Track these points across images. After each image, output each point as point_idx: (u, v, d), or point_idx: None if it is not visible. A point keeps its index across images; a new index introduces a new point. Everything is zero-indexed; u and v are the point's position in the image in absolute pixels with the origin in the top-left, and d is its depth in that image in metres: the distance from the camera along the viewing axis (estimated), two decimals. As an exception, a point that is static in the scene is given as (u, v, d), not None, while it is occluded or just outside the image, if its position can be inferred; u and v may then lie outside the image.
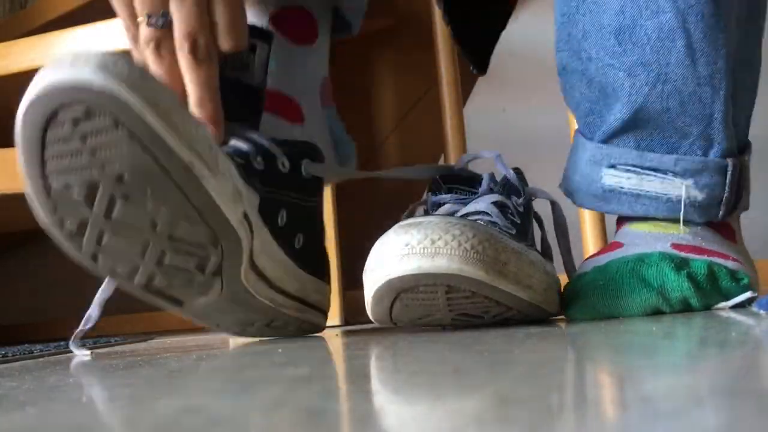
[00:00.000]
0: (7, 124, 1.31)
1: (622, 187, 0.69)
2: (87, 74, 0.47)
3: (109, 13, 1.02)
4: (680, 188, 0.67)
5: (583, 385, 0.31)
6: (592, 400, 0.27)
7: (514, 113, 1.54)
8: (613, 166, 0.69)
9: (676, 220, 0.68)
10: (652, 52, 0.65)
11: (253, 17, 0.70)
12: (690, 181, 0.67)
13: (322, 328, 0.70)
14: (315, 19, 0.73)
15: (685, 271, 0.61)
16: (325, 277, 0.70)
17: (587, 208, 0.74)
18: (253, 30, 0.66)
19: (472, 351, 0.47)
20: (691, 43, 0.65)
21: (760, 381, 0.29)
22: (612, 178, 0.69)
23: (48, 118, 0.49)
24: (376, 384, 0.34)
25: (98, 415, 0.32)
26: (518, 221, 0.65)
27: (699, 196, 0.67)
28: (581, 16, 0.68)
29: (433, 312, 0.58)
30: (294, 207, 0.65)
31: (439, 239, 0.54)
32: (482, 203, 0.64)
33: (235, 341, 0.75)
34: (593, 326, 0.56)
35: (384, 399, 0.30)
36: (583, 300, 0.62)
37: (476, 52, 0.95)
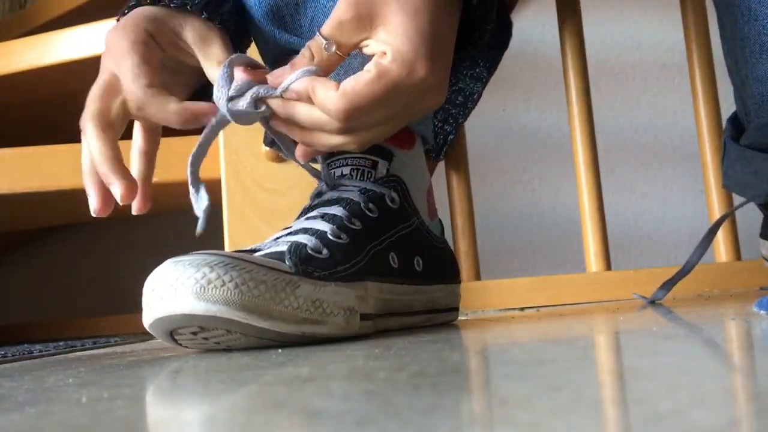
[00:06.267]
0: (8, 123, 1.31)
1: None
2: (189, 305, 0.52)
3: (108, 13, 1.02)
4: None
5: (584, 385, 0.31)
6: (593, 401, 0.27)
7: (514, 113, 1.54)
8: None
9: None
10: None
11: None
12: None
13: (453, 320, 0.75)
14: (411, 128, 0.72)
15: None
16: (453, 276, 0.74)
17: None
18: (374, 147, 0.68)
19: (472, 351, 0.47)
20: None
21: (760, 381, 0.29)
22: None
23: (170, 332, 0.55)
24: (376, 384, 0.34)
25: (98, 415, 0.32)
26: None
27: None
28: None
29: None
30: (401, 241, 0.66)
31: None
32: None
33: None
34: (593, 327, 0.56)
35: (384, 399, 0.30)
36: None
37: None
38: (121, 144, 0.62)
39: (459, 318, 0.77)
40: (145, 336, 1.05)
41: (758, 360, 0.35)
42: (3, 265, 1.73)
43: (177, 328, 0.54)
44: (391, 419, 0.26)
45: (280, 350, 0.53)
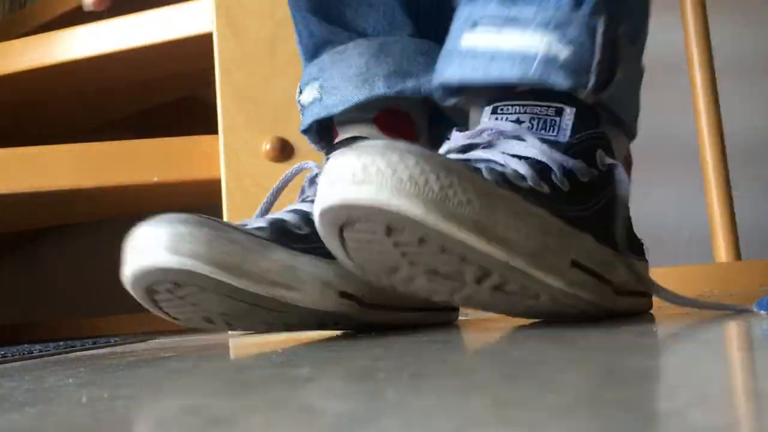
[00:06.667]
0: (8, 123, 1.31)
1: (476, 47, 0.58)
2: (163, 257, 0.52)
3: (108, 13, 1.02)
4: (540, 42, 0.56)
5: (584, 385, 0.31)
6: (593, 401, 0.27)
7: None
8: (476, 25, 0.59)
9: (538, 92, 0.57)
10: None
11: (358, 123, 0.69)
12: (554, 35, 0.56)
13: (453, 320, 0.71)
14: (413, 120, 0.71)
15: None
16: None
17: (443, 82, 0.61)
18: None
19: (472, 351, 0.47)
20: None
21: (760, 381, 0.29)
22: (469, 39, 0.59)
23: (149, 291, 0.55)
24: (376, 384, 0.34)
25: (98, 415, 0.32)
26: (565, 188, 0.54)
27: (563, 52, 0.56)
28: None
29: (394, 263, 0.49)
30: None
31: (371, 164, 0.45)
32: (495, 151, 0.54)
33: (234, 342, 0.75)
34: (593, 327, 0.56)
35: (384, 399, 0.30)
36: None
37: None
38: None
39: (459, 318, 0.77)
40: (145, 336, 1.05)
41: (758, 360, 0.35)
42: (3, 265, 1.73)
43: (152, 285, 0.55)
44: (391, 419, 0.26)
45: (280, 350, 0.53)
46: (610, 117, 0.60)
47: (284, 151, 0.90)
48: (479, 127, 0.57)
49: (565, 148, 0.55)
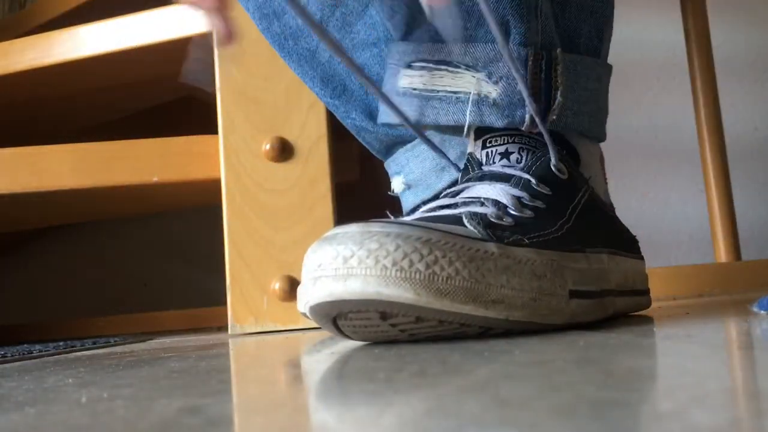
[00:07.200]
0: (8, 123, 1.31)
1: (412, 88, 0.58)
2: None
3: (108, 13, 1.02)
4: (470, 84, 0.56)
5: (584, 385, 0.31)
6: (593, 401, 0.27)
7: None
8: (410, 64, 0.59)
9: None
10: None
11: None
12: (482, 74, 0.56)
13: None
14: None
15: None
16: None
17: (386, 122, 0.64)
18: None
19: (472, 351, 0.47)
20: None
21: (760, 381, 0.29)
22: (406, 80, 0.59)
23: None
24: (376, 384, 0.34)
25: (98, 415, 0.32)
26: (543, 205, 0.54)
27: (493, 91, 0.56)
28: None
29: (395, 338, 0.49)
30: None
31: (351, 257, 0.44)
32: (481, 188, 0.54)
33: (234, 342, 0.75)
34: (593, 327, 0.56)
35: (384, 399, 0.30)
36: None
37: None
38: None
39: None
40: (145, 336, 1.05)
41: (758, 360, 0.35)
42: (3, 265, 1.73)
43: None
44: (391, 419, 0.26)
45: (280, 350, 0.53)
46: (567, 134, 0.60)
47: (284, 151, 0.90)
48: (463, 184, 0.57)
49: (526, 170, 0.56)
